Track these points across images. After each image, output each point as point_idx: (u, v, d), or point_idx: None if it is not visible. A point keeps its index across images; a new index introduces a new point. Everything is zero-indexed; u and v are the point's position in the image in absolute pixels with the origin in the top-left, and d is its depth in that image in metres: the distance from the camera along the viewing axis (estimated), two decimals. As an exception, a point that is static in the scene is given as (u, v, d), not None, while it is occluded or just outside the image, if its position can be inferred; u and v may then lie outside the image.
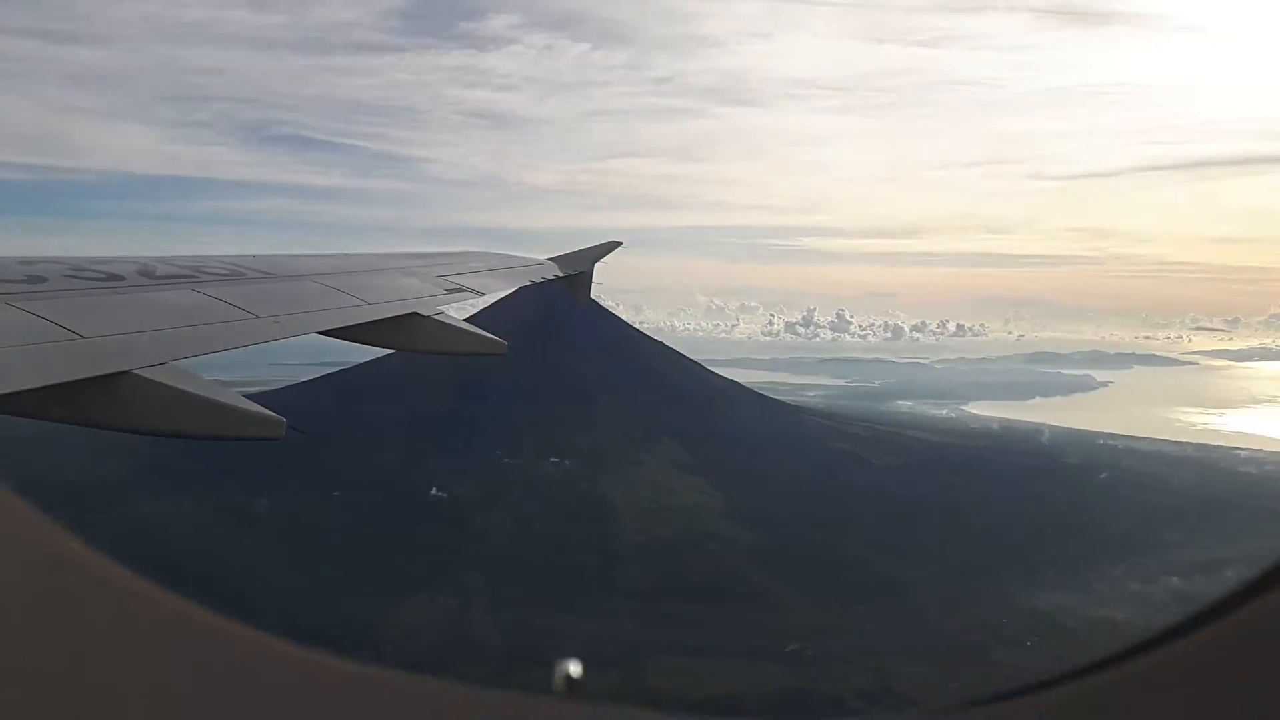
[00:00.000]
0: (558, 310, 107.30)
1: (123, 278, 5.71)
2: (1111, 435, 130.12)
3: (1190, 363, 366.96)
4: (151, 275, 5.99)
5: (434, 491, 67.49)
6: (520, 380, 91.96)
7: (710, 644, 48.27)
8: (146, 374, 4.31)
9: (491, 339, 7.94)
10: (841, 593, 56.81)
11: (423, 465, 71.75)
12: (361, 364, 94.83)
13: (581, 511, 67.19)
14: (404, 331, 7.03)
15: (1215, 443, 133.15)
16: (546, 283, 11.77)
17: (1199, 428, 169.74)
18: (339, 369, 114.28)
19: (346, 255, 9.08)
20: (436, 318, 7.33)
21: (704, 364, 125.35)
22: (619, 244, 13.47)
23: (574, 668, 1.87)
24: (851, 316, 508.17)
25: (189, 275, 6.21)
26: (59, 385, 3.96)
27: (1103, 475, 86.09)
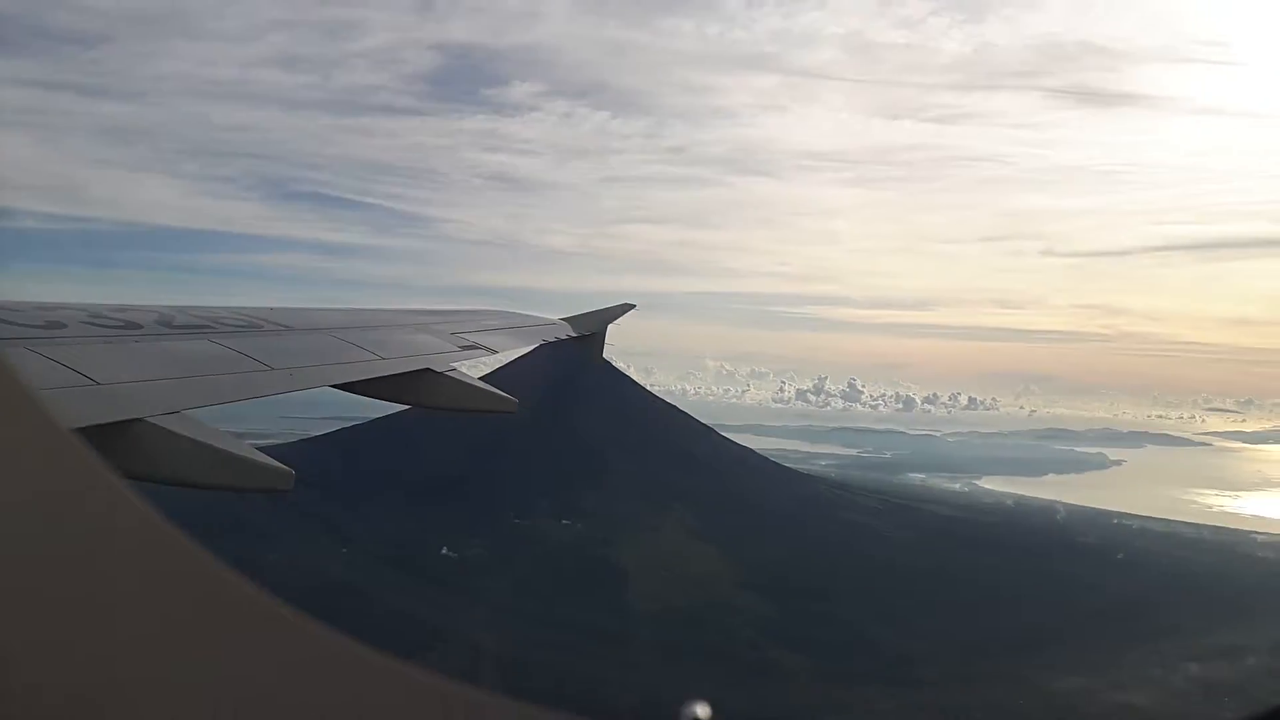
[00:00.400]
0: (572, 372, 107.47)
1: (140, 326, 5.74)
2: (1126, 515, 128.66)
3: (1204, 443, 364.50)
4: (169, 324, 6.02)
5: (444, 551, 66.99)
6: (533, 441, 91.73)
7: (723, 716, 47.33)
8: (159, 422, 4.33)
9: (503, 396, 7.92)
10: (855, 669, 55.84)
11: (433, 524, 71.42)
12: (374, 420, 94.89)
13: (593, 576, 66.55)
14: (417, 387, 7.03)
15: (1231, 525, 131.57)
16: (560, 342, 11.80)
17: (1214, 510, 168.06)
18: (350, 423, 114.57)
19: (362, 310, 9.07)
20: (450, 374, 7.32)
21: (715, 429, 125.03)
22: (632, 306, 13.72)
23: (702, 711, 1.89)
24: (863, 386, 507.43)
25: (206, 325, 6.23)
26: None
27: (1120, 556, 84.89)
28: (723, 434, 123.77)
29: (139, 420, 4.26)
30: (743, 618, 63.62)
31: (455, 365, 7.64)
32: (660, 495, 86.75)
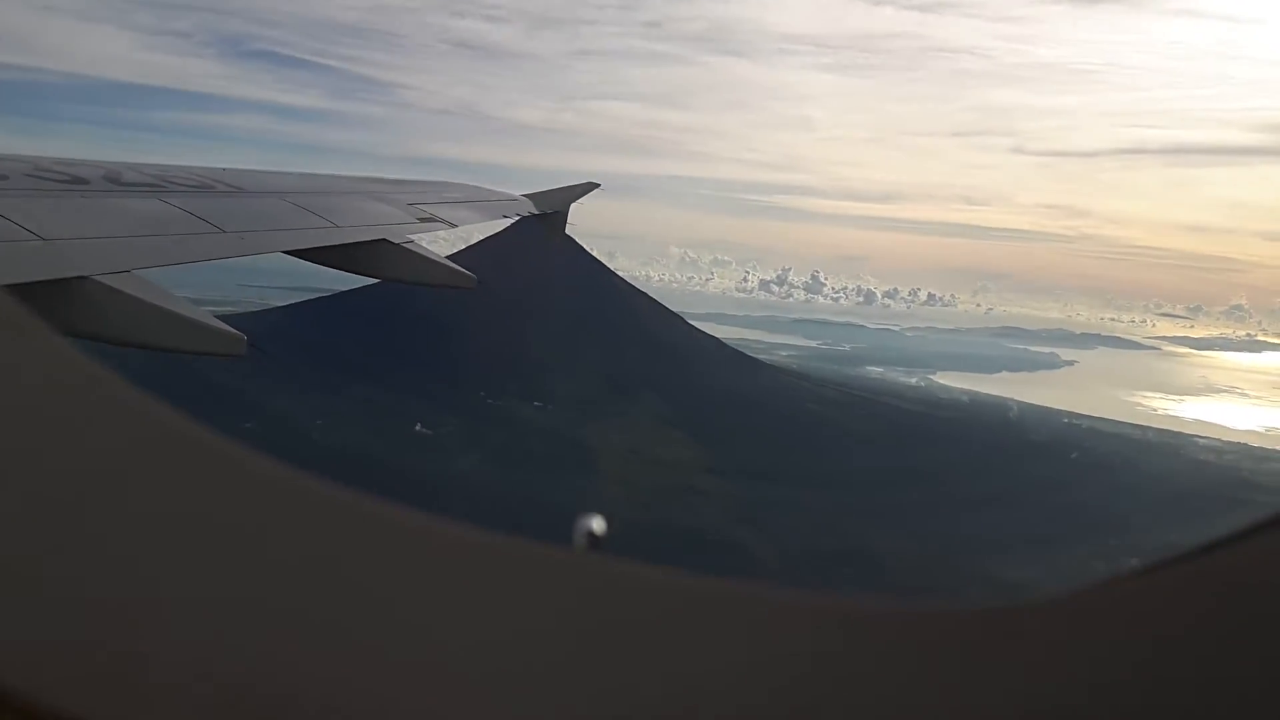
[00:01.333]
0: (542, 254, 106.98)
1: (87, 181, 5.57)
2: (1076, 415, 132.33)
3: (1153, 347, 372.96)
4: (118, 181, 5.84)
5: (418, 428, 67.57)
6: (503, 322, 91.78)
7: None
8: (107, 280, 4.27)
9: (461, 271, 7.86)
10: (817, 553, 57.86)
11: (406, 401, 71.79)
12: (339, 294, 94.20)
13: (564, 457, 67.63)
14: (372, 257, 6.95)
15: (1175, 429, 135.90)
16: (522, 220, 11.85)
17: (1159, 413, 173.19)
18: (313, 295, 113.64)
19: (318, 176, 8.85)
20: (406, 246, 7.21)
21: (682, 317, 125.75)
22: (597, 185, 13.45)
23: (597, 524, 1.79)
24: (826, 279, 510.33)
25: (156, 185, 6.05)
26: (16, 286, 3.84)
27: (1073, 455, 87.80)
28: (689, 322, 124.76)
29: (86, 278, 4.18)
30: (709, 500, 65.31)
31: (412, 237, 7.52)
32: (629, 381, 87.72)
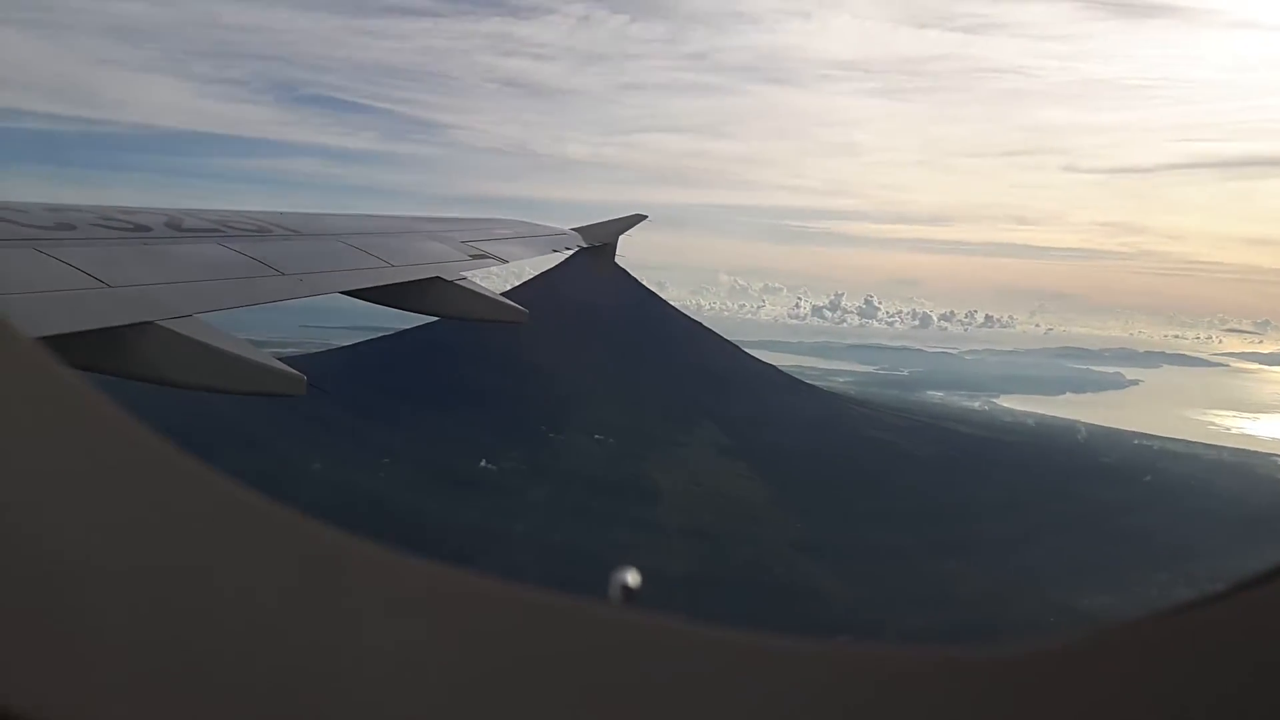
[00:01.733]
0: (596, 286, 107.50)
1: (150, 229, 5.68)
2: (1146, 435, 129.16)
3: (1220, 364, 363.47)
4: (178, 228, 5.95)
5: (483, 464, 67.98)
6: (560, 355, 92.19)
7: (754, 629, 48.40)
8: (170, 325, 4.34)
9: (513, 307, 7.95)
10: (883, 585, 56.86)
11: (470, 437, 72.35)
12: (400, 332, 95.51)
13: (626, 491, 67.47)
14: (427, 295, 7.07)
15: (1250, 447, 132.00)
16: (578, 254, 11.77)
17: (1232, 431, 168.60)
18: (374, 334, 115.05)
19: (372, 217, 8.98)
20: (460, 283, 7.33)
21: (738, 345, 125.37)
22: (644, 217, 13.72)
23: (632, 577, 1.80)
24: (880, 303, 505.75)
25: (215, 230, 6.16)
26: (84, 333, 3.97)
27: (1147, 479, 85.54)
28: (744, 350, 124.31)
29: (150, 323, 4.28)
30: (773, 533, 64.63)
31: (465, 274, 7.60)
32: (688, 412, 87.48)
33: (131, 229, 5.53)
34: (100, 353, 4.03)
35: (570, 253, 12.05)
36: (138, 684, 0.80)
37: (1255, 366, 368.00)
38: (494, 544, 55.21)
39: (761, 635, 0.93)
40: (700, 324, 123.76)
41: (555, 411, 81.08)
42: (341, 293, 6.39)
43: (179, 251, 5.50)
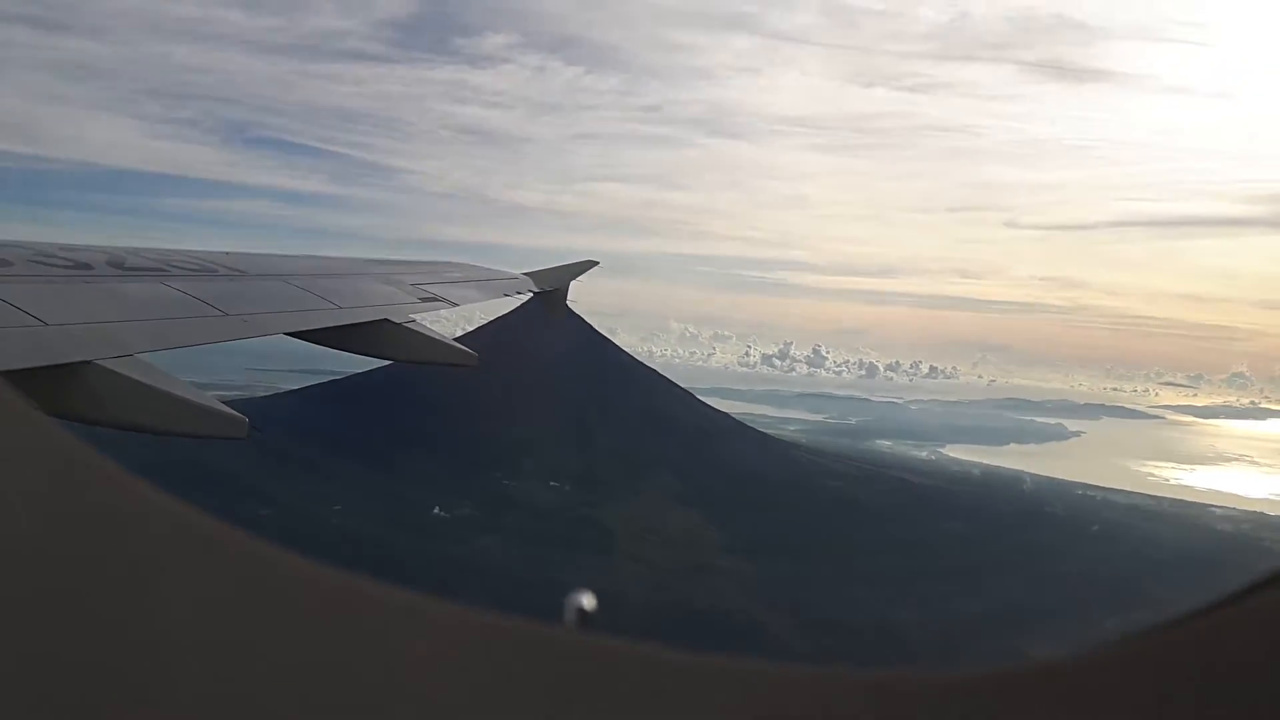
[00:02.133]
0: (552, 333, 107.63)
1: (91, 267, 5.56)
2: (1090, 486, 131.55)
3: (1157, 416, 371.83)
4: (121, 266, 5.84)
5: (436, 511, 67.24)
6: (515, 402, 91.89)
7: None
8: (110, 365, 4.24)
9: (463, 350, 7.84)
10: (838, 634, 57.10)
11: (422, 483, 71.54)
12: (352, 375, 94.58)
13: (581, 538, 67.15)
14: (375, 338, 6.94)
15: (1189, 499, 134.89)
16: (529, 299, 11.85)
17: (1171, 482, 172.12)
18: (322, 377, 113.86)
19: (320, 258, 8.89)
20: (408, 325, 7.21)
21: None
22: (595, 263, 13.66)
23: (587, 600, 1.78)
24: (828, 353, 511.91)
25: (158, 269, 6.05)
26: (19, 371, 3.87)
27: (1095, 528, 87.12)
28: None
29: (88, 363, 4.16)
30: (727, 580, 64.62)
31: (415, 316, 7.53)
32: (642, 459, 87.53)
33: (72, 266, 5.41)
34: (37, 392, 3.91)
35: (523, 298, 12.04)
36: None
37: (1190, 419, 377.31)
38: (444, 593, 54.52)
39: (718, 657, 1.03)
40: (655, 371, 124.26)
41: (509, 458, 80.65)
42: (287, 334, 6.26)
43: (121, 290, 5.39)
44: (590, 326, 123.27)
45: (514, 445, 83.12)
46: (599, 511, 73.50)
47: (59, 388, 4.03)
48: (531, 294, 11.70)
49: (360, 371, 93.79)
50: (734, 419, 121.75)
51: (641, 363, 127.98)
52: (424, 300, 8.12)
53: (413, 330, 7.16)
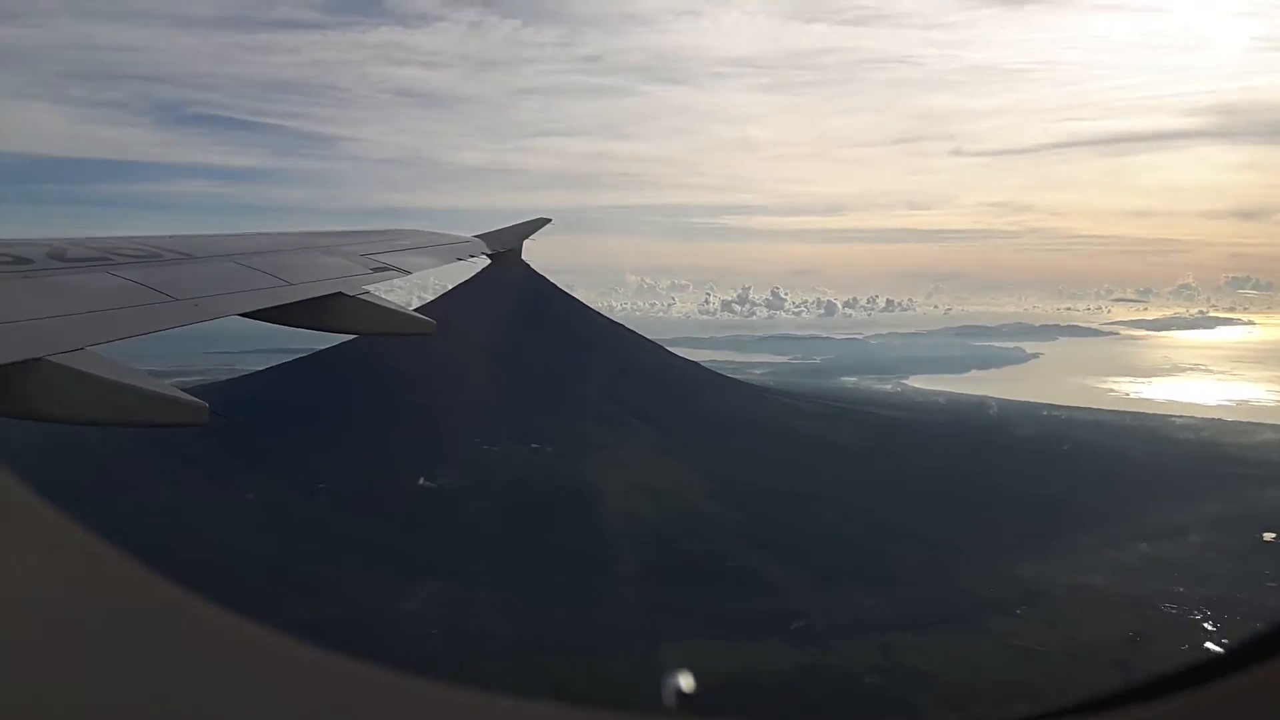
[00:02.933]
0: (516, 294, 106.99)
1: (31, 261, 5.46)
2: (1053, 406, 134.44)
3: (1111, 333, 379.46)
4: (62, 258, 5.71)
5: (422, 481, 67.05)
6: (485, 366, 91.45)
7: (714, 624, 48.83)
8: (61, 360, 4.18)
9: (420, 318, 7.76)
10: (830, 569, 58.02)
11: (403, 456, 71.24)
12: (318, 352, 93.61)
13: (567, 498, 67.40)
14: (329, 312, 6.87)
15: (1149, 411, 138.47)
16: (498, 266, 11.78)
17: (1131, 397, 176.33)
18: (282, 356, 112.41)
19: (267, 234, 8.76)
20: (362, 297, 7.14)
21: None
22: (548, 220, 13.59)
23: (685, 682, 1.81)
24: (786, 294, 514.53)
25: (102, 258, 5.93)
26: None
27: (1065, 447, 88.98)
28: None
29: (39, 360, 4.09)
30: (714, 527, 65.34)
31: (368, 288, 7.41)
32: (618, 413, 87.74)
33: (11, 262, 5.28)
34: None
35: (478, 260, 11.87)
36: None
37: (1143, 333, 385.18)
38: (455, 559, 54.83)
39: None
40: (621, 325, 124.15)
41: (486, 423, 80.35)
42: (239, 315, 6.16)
43: (65, 282, 5.24)
44: (553, 285, 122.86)
45: (489, 410, 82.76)
46: (582, 469, 73.71)
47: (10, 388, 3.95)
48: (485, 255, 11.58)
49: (325, 347, 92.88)
50: (702, 367, 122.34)
51: (606, 317, 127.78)
52: (376, 270, 8.05)
53: (367, 302, 7.08)
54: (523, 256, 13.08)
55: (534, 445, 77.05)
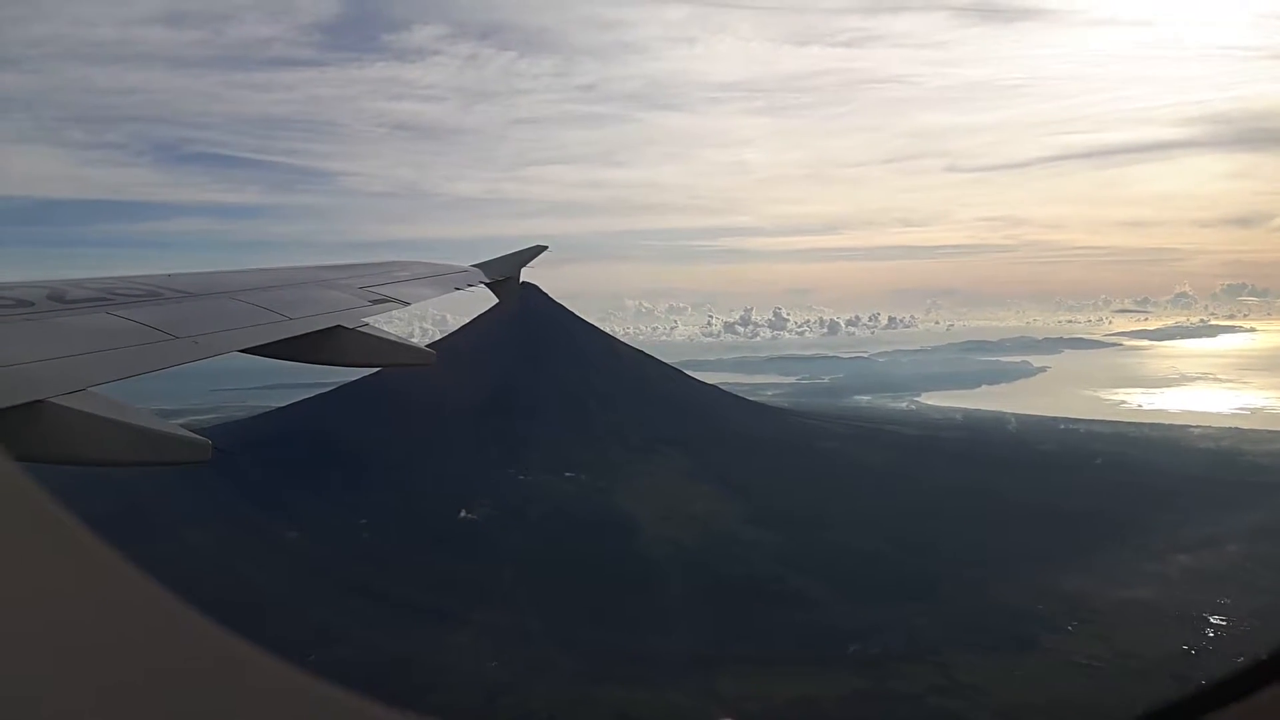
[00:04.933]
0: (534, 323, 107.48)
1: (32, 303, 5.47)
2: (1069, 420, 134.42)
3: (1114, 344, 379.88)
4: (62, 299, 5.73)
5: (463, 514, 67.14)
6: (510, 395, 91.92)
7: (768, 650, 48.84)
8: (63, 402, 4.19)
9: (419, 349, 7.76)
10: (875, 591, 57.89)
11: (441, 488, 71.34)
12: (341, 386, 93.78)
13: (605, 524, 67.54)
14: (329, 345, 6.87)
15: (1166, 422, 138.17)
16: (510, 297, 11.75)
17: (1143, 408, 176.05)
18: (290, 390, 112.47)
19: (266, 270, 8.77)
20: (361, 330, 7.16)
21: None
22: (544, 248, 13.46)
23: None
24: (788, 314, 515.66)
25: (102, 298, 5.96)
26: None
27: (1098, 461, 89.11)
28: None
29: (41, 401, 4.10)
30: (754, 551, 65.27)
31: (367, 320, 7.44)
32: (646, 439, 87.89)
33: (12, 305, 5.27)
34: None
35: (480, 290, 11.82)
36: None
37: (1146, 343, 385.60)
38: (501, 589, 55.06)
39: None
40: (641, 351, 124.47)
41: (518, 453, 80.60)
42: (240, 351, 6.12)
43: (65, 324, 5.25)
44: (571, 313, 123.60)
45: (519, 440, 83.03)
46: (616, 497, 73.83)
47: (14, 430, 3.95)
48: (484, 284, 11.63)
49: (345, 382, 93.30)
50: (722, 390, 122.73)
51: (626, 344, 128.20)
52: (375, 303, 8.07)
53: (366, 334, 7.12)
54: (520, 284, 13.09)
55: (567, 474, 77.20)
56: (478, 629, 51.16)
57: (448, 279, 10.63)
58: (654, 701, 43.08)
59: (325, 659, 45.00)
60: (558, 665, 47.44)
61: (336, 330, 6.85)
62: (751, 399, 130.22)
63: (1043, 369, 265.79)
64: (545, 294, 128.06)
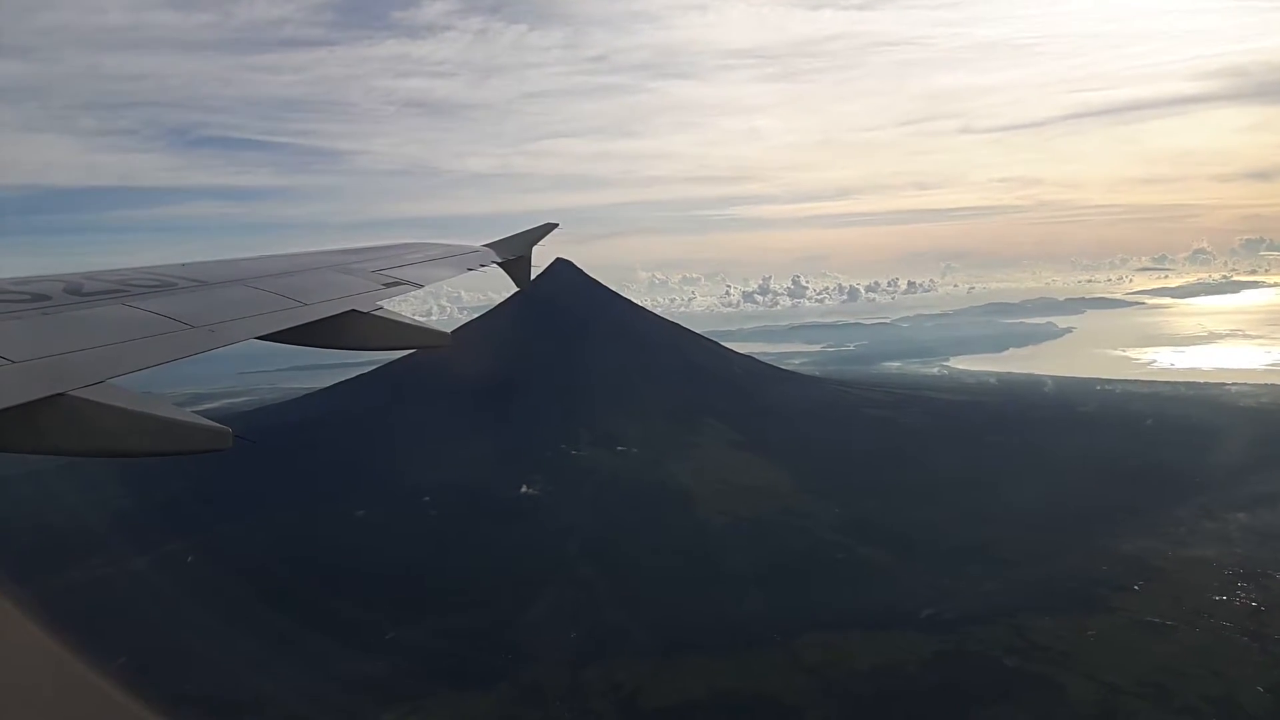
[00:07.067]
0: (570, 300, 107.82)
1: (49, 297, 5.55)
2: (1103, 380, 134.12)
3: (1137, 303, 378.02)
4: (79, 292, 5.81)
5: (524, 489, 67.90)
6: (552, 371, 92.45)
7: (842, 617, 49.40)
8: (83, 394, 4.24)
9: (435, 331, 7.71)
10: (939, 557, 58.25)
11: (497, 464, 71.96)
12: (381, 367, 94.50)
13: (661, 498, 68.12)
14: (344, 330, 6.88)
15: (1201, 380, 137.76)
16: (545, 274, 11.72)
17: (1175, 367, 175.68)
18: (317, 370, 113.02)
19: (278, 256, 8.86)
20: (376, 313, 7.17)
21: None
22: (555, 225, 13.45)
23: None
24: (807, 282, 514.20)
25: (118, 290, 6.05)
26: None
27: (1149, 421, 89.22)
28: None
29: (61, 395, 4.16)
30: (813, 521, 65.65)
31: (381, 304, 7.42)
32: (690, 411, 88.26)
33: (29, 299, 5.37)
34: (11, 432, 3.91)
35: (541, 267, 11.85)
36: None
37: (1169, 301, 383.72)
38: (569, 562, 56.07)
39: None
40: (675, 324, 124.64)
41: (568, 428, 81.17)
42: (256, 338, 6.13)
43: (83, 317, 5.31)
44: (606, 288, 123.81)
45: (567, 415, 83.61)
46: (669, 470, 74.31)
47: (34, 425, 4.03)
48: (496, 264, 11.71)
49: (382, 364, 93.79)
50: (759, 360, 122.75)
51: (662, 317, 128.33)
52: (388, 285, 8.13)
53: (380, 317, 7.12)
54: (532, 262, 13.30)
55: (619, 448, 77.80)
56: (553, 602, 51.97)
57: (460, 260, 10.68)
58: (739, 671, 43.70)
59: (405, 637, 46.56)
60: (636, 635, 48.15)
61: (350, 314, 6.90)
62: (782, 368, 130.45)
63: (1068, 330, 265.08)
64: (578, 268, 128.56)
